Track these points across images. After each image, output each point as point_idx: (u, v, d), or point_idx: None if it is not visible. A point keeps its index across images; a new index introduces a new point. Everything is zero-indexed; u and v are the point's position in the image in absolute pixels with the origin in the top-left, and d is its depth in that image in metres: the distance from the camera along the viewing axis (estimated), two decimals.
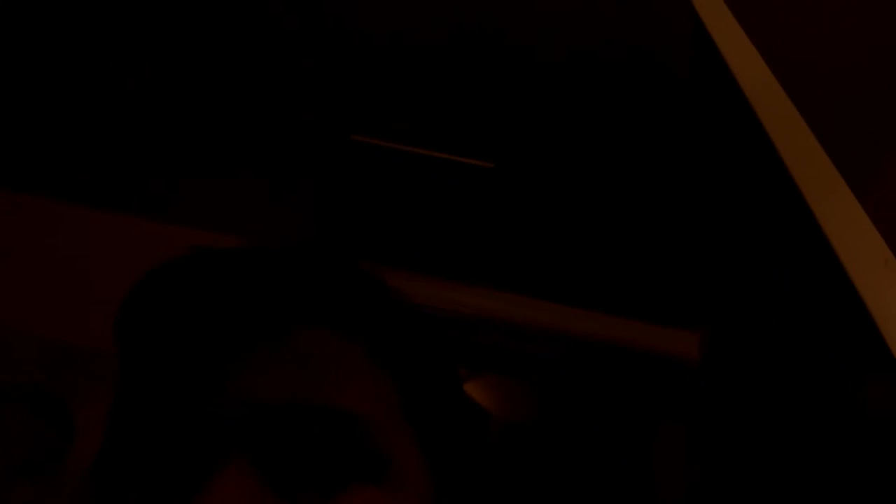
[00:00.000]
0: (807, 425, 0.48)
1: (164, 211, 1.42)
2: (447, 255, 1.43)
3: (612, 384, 1.41)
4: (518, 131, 1.23)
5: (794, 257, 0.55)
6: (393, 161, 1.27)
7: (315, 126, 1.28)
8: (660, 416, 1.39)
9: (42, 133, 1.36)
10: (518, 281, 1.43)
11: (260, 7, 1.14)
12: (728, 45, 0.78)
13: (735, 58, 0.73)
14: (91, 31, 1.20)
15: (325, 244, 1.33)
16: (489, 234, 1.38)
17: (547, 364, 1.44)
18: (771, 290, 0.63)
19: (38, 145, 1.38)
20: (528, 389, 1.45)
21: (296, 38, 1.17)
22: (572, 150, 1.24)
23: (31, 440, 1.18)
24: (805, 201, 0.49)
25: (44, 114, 1.32)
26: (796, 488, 0.50)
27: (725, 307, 0.87)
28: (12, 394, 1.19)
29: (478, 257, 1.43)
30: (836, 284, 0.40)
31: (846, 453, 0.40)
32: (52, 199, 1.43)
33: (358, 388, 0.37)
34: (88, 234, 1.44)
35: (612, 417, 1.39)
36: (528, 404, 1.44)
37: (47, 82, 1.27)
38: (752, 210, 0.69)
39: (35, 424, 1.18)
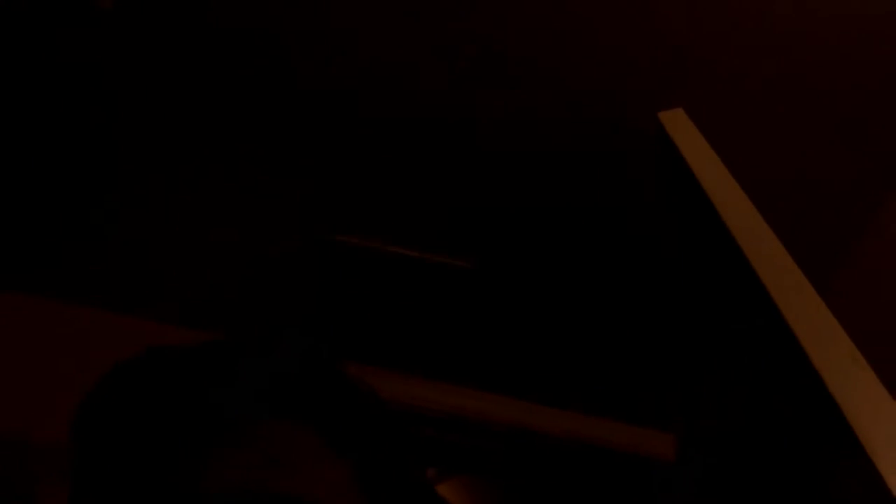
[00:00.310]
0: None
1: (142, 307, 1.41)
2: (425, 352, 1.42)
3: (588, 483, 1.38)
4: (497, 233, 1.26)
5: (765, 356, 0.55)
6: (375, 260, 1.28)
7: (300, 225, 1.29)
8: None
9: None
10: (496, 380, 1.42)
11: (244, 102, 1.18)
12: (697, 161, 0.81)
13: (703, 171, 0.77)
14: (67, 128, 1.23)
15: (289, 337, 1.31)
16: (467, 333, 1.38)
17: (523, 463, 1.41)
18: (744, 390, 0.63)
19: None
20: (502, 490, 1.40)
21: (280, 139, 1.21)
22: (549, 252, 1.27)
23: None
24: (773, 301, 0.50)
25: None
26: None
27: (700, 408, 0.87)
28: None
29: (456, 356, 1.42)
30: (806, 380, 0.41)
31: None
32: (9, 291, 1.41)
33: (318, 477, 0.37)
34: (50, 327, 1.41)
35: None
36: None
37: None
38: (723, 312, 0.71)
39: None
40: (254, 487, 0.33)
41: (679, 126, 1.13)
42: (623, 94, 1.12)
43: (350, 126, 1.18)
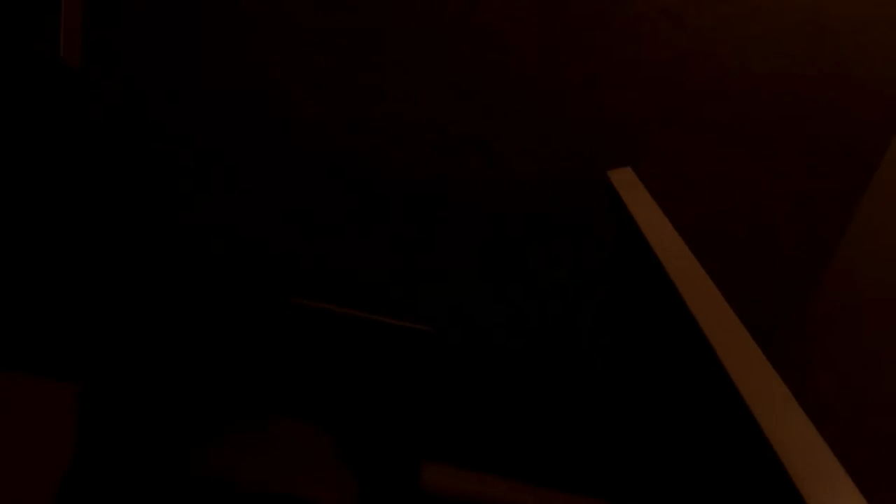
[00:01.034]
0: None
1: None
2: (388, 419, 1.39)
3: None
4: (457, 297, 1.26)
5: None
6: (332, 323, 1.26)
7: (256, 286, 1.26)
8: None
9: None
10: (457, 452, 1.39)
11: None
12: (643, 215, 0.81)
13: (648, 225, 0.77)
14: None
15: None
16: (428, 400, 1.36)
17: None
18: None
19: None
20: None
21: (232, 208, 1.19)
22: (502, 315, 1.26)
23: None
24: (710, 345, 0.53)
25: None
26: None
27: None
28: None
29: (419, 424, 1.39)
30: (739, 422, 0.42)
31: None
32: None
33: (324, 482, 0.37)
34: None
35: None
36: None
37: None
38: (662, 359, 0.72)
39: None
40: (265, 486, 0.33)
41: (626, 183, 1.18)
42: (576, 154, 1.16)
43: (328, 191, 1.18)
